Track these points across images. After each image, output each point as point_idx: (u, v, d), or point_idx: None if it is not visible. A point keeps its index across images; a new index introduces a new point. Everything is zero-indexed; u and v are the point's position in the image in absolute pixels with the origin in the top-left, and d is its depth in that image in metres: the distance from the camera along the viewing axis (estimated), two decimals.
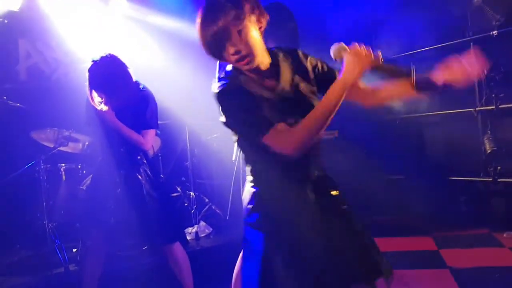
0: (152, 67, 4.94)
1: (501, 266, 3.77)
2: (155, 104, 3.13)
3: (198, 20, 1.72)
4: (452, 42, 4.98)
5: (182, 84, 5.25)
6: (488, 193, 4.90)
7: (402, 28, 5.40)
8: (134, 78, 3.03)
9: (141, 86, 3.09)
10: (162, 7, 5.53)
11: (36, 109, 4.69)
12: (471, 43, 4.82)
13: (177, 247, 3.15)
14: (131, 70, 3.01)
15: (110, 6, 5.24)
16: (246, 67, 1.74)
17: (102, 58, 2.94)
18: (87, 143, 4.44)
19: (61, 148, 4.27)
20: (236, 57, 1.70)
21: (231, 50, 1.69)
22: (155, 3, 5.53)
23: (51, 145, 4.25)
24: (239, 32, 1.67)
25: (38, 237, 4.05)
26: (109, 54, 2.98)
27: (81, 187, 4.14)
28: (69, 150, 4.39)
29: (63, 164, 4.36)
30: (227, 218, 4.94)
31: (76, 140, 4.39)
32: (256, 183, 1.84)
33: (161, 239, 3.08)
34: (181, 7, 5.48)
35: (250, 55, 1.70)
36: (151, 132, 3.11)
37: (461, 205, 5.07)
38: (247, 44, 1.69)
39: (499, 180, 4.62)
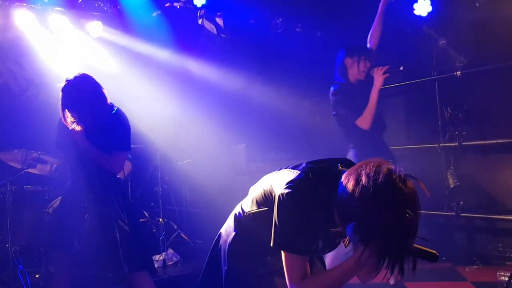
0: (127, 90, 4.93)
1: None
2: (128, 126, 3.09)
3: None
4: (418, 80, 5.19)
5: (158, 109, 5.27)
6: (451, 227, 5.04)
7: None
8: (109, 100, 3.03)
9: (115, 108, 3.07)
10: (136, 32, 5.57)
11: (4, 129, 4.60)
12: (436, 82, 5.04)
13: (145, 276, 3.08)
14: (105, 91, 3.01)
15: (86, 29, 5.25)
16: None
17: (76, 77, 2.94)
18: (55, 165, 4.37)
19: (29, 170, 4.20)
20: None
21: None
22: (130, 28, 5.57)
23: (19, 166, 4.18)
24: None
25: (0, 261, 3.91)
26: (83, 74, 2.98)
27: (47, 210, 4.03)
28: (37, 172, 4.31)
29: (29, 186, 4.26)
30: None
31: (44, 162, 4.32)
32: None
33: (128, 266, 2.97)
34: (155, 32, 5.54)
35: None
36: (122, 155, 3.07)
37: (424, 238, 5.18)
38: None
39: (461, 214, 4.76)
